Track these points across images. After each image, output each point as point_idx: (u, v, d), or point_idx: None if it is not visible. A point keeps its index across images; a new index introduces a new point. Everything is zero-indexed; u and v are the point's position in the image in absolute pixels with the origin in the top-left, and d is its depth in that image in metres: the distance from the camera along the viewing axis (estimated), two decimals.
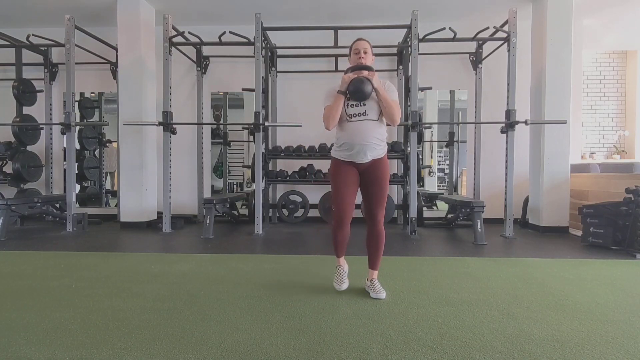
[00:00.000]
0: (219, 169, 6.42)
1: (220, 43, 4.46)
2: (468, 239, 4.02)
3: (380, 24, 4.74)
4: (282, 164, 5.32)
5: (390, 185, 5.18)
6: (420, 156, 6.07)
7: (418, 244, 3.82)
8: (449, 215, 4.89)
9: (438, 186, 6.67)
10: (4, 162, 5.22)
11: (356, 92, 2.10)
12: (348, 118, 2.17)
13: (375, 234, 2.25)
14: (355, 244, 3.82)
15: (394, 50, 5.20)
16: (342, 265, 2.37)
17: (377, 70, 5.59)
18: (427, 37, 4.30)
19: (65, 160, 4.76)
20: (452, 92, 5.96)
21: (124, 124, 4.63)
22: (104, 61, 5.41)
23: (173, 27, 4.47)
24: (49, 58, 5.45)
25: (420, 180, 6.22)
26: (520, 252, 3.47)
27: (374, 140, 2.15)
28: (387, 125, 2.26)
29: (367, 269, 2.32)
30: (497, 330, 1.77)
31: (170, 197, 4.49)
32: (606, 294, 2.29)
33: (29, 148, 5.25)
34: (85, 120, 5.99)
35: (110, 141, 6.27)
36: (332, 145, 4.73)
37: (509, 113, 4.16)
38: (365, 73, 2.15)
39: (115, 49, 5.14)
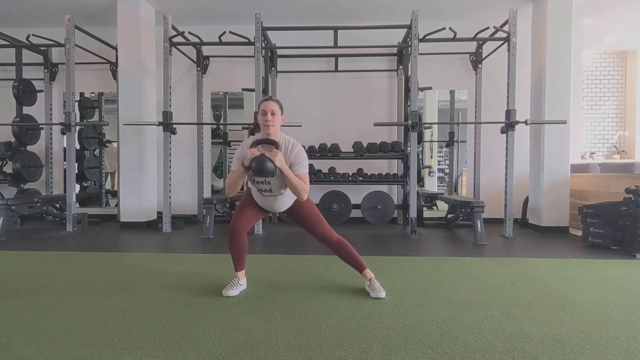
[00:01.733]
0: (219, 169, 6.42)
1: (220, 43, 4.46)
2: (468, 239, 4.02)
3: (380, 24, 4.74)
4: None
5: (390, 185, 5.22)
6: (420, 156, 6.07)
7: (418, 244, 3.82)
8: (449, 215, 4.89)
9: (438, 186, 6.67)
10: (4, 162, 5.22)
11: (258, 172, 2.06)
12: (257, 187, 2.21)
13: (335, 245, 2.28)
14: (355, 244, 3.82)
15: (394, 50, 5.20)
16: (239, 278, 2.33)
17: (377, 70, 5.58)
18: (427, 37, 4.30)
19: (65, 160, 4.76)
20: (452, 92, 5.96)
21: (124, 124, 4.63)
22: (104, 61, 5.41)
23: (173, 27, 4.47)
24: (49, 58, 5.45)
25: (420, 180, 6.22)
26: (520, 252, 3.47)
27: (284, 206, 2.27)
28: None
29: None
30: (497, 330, 1.77)
31: (170, 197, 4.49)
32: (606, 294, 2.29)
33: (29, 148, 5.24)
34: (85, 120, 6.00)
35: (110, 141, 6.27)
36: (332, 144, 4.73)
37: (509, 113, 4.16)
38: (269, 149, 2.12)
39: (115, 49, 5.14)
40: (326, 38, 4.68)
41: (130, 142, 4.78)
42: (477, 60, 5.18)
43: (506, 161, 4.24)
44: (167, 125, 4.39)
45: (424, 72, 4.89)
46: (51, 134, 5.54)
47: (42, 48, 5.30)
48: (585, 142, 6.15)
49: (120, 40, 4.78)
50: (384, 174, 4.74)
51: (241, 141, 7.02)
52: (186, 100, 5.52)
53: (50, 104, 5.48)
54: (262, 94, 4.44)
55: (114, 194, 6.11)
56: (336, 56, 5.28)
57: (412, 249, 3.60)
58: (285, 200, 2.24)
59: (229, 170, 6.55)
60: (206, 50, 5.42)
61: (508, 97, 4.21)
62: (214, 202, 4.23)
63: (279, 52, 5.25)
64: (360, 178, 4.65)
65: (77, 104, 5.53)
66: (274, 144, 2.14)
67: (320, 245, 3.76)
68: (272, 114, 2.14)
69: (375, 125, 4.43)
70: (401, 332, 1.75)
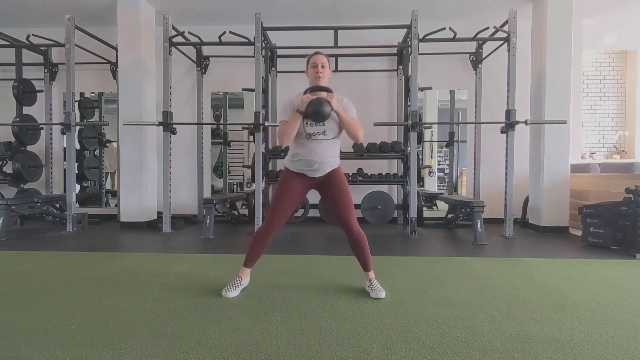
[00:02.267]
0: (219, 169, 6.42)
1: (220, 43, 4.46)
2: (468, 239, 4.02)
3: (380, 24, 4.74)
4: (282, 164, 5.31)
5: (390, 185, 5.22)
6: (420, 156, 6.07)
7: (418, 244, 3.82)
8: (449, 215, 4.89)
9: (438, 186, 6.67)
10: (4, 162, 5.22)
11: (315, 114, 2.07)
12: (307, 136, 2.16)
13: (355, 237, 2.25)
14: None
15: (394, 50, 5.20)
16: (242, 277, 2.28)
17: (377, 70, 5.57)
18: (427, 37, 4.30)
19: (65, 160, 4.76)
20: (452, 92, 5.96)
21: (124, 124, 4.63)
22: (104, 61, 5.41)
23: (173, 27, 4.47)
24: (49, 58, 5.45)
25: (420, 180, 6.22)
26: (520, 252, 3.47)
27: (331, 158, 2.19)
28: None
29: (363, 273, 2.33)
30: (497, 330, 1.77)
31: (170, 197, 4.49)
32: (606, 294, 2.29)
33: (29, 148, 5.25)
34: (85, 120, 6.00)
35: (110, 141, 6.27)
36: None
37: (509, 113, 4.16)
38: (324, 94, 2.14)
39: (115, 49, 5.14)
40: (326, 38, 4.68)
41: (130, 142, 4.77)
42: (477, 60, 5.18)
43: (506, 161, 4.24)
44: (167, 125, 4.39)
45: (424, 72, 4.89)
46: (51, 134, 5.54)
47: (42, 48, 5.30)
48: (585, 142, 6.14)
49: (120, 40, 4.78)
50: (384, 174, 4.74)
51: (241, 141, 7.00)
52: (186, 100, 5.52)
53: (50, 104, 5.48)
54: (262, 94, 4.44)
55: (114, 194, 6.11)
56: (336, 56, 5.27)
57: (412, 249, 3.60)
58: (334, 150, 2.20)
59: (229, 171, 6.64)
60: (206, 50, 5.42)
61: (508, 97, 4.21)
62: (214, 202, 4.23)
63: (279, 52, 5.25)
64: (360, 178, 4.65)
65: (77, 104, 5.53)
66: (327, 90, 2.17)
67: (320, 246, 3.78)
68: (322, 66, 2.20)
69: (375, 125, 4.43)
70: (401, 332, 1.75)
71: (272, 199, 2.26)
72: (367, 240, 2.28)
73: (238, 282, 2.26)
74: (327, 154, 2.17)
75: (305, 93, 2.17)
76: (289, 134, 2.12)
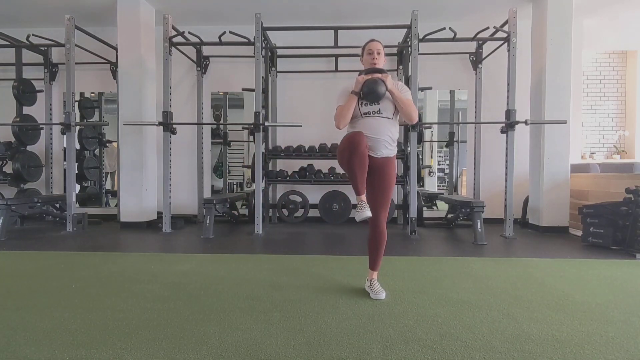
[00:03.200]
0: (219, 169, 6.42)
1: (220, 43, 4.46)
2: (468, 239, 4.02)
3: (380, 24, 4.74)
4: (282, 164, 5.32)
5: None
6: (420, 156, 6.07)
7: (418, 244, 3.82)
8: (449, 215, 4.89)
9: (438, 186, 6.66)
10: (4, 162, 5.22)
11: (370, 93, 2.12)
12: (362, 115, 2.19)
13: (377, 234, 2.23)
14: (355, 243, 3.83)
15: (394, 50, 5.20)
16: (364, 201, 2.09)
17: None
18: (427, 37, 4.30)
19: (65, 160, 4.76)
20: (452, 92, 5.96)
21: (124, 124, 4.63)
22: (104, 61, 5.41)
23: (173, 27, 4.47)
24: (49, 58, 5.45)
25: (420, 180, 6.22)
26: (520, 252, 3.47)
27: (387, 137, 2.17)
28: (403, 125, 2.26)
29: (367, 269, 2.32)
30: (497, 330, 1.77)
31: (170, 197, 4.49)
32: (606, 294, 2.29)
33: (29, 148, 5.25)
34: (85, 120, 5.99)
35: (110, 141, 6.27)
36: (332, 144, 4.73)
37: (509, 113, 4.16)
38: (378, 75, 2.18)
39: (115, 49, 5.14)
40: (326, 38, 4.68)
41: (130, 142, 4.78)
42: (477, 60, 5.18)
43: (506, 161, 4.24)
44: (167, 125, 4.39)
45: (424, 72, 4.89)
46: (51, 134, 5.54)
47: (42, 48, 5.30)
48: (585, 142, 6.14)
49: (120, 40, 4.78)
50: None
51: (241, 141, 7.00)
52: (186, 100, 5.52)
53: (50, 104, 5.48)
54: (262, 94, 4.44)
55: (114, 194, 6.10)
56: (336, 56, 5.28)
57: (412, 249, 3.60)
58: (390, 129, 2.16)
59: (229, 171, 6.64)
60: (206, 50, 5.42)
61: (508, 97, 4.21)
62: (214, 202, 4.23)
63: (279, 52, 5.25)
64: None
65: (77, 104, 5.52)
66: (380, 71, 2.20)
67: (320, 246, 3.78)
68: (378, 53, 2.24)
69: None
70: (401, 332, 1.75)
71: (344, 146, 2.07)
72: (386, 242, 2.26)
73: (364, 205, 2.08)
74: (382, 131, 2.15)
75: (360, 74, 2.21)
76: (344, 115, 2.15)
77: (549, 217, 4.45)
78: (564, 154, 4.43)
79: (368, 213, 2.07)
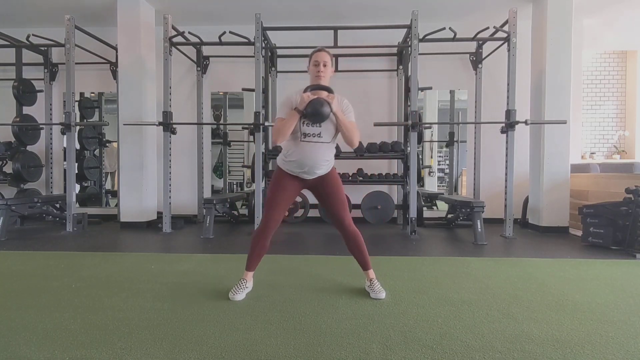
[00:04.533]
0: (219, 169, 6.42)
1: (220, 43, 4.46)
2: (468, 239, 4.02)
3: (380, 24, 4.74)
4: None
5: (390, 185, 5.22)
6: (420, 156, 6.07)
7: (418, 244, 3.82)
8: (449, 215, 4.89)
9: (438, 186, 6.66)
10: (4, 162, 5.22)
11: (314, 115, 2.02)
12: (302, 137, 2.10)
13: (351, 236, 2.23)
14: None
15: (394, 50, 5.20)
16: (247, 280, 2.25)
17: (377, 70, 5.56)
18: (427, 37, 4.30)
19: (65, 160, 4.75)
20: (452, 92, 5.96)
21: (124, 124, 4.63)
22: (104, 61, 5.41)
23: (173, 27, 4.47)
24: (49, 58, 5.45)
25: (420, 180, 6.22)
26: (520, 252, 3.47)
27: (324, 162, 2.15)
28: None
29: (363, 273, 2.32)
30: (497, 330, 1.77)
31: (170, 197, 4.49)
32: (606, 294, 2.29)
33: (29, 148, 5.24)
34: (85, 120, 5.99)
35: (110, 141, 6.27)
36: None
37: (509, 113, 4.16)
38: (324, 94, 2.09)
39: (115, 49, 5.14)
40: (326, 38, 4.68)
41: (130, 142, 4.78)
42: (477, 60, 5.18)
43: (506, 161, 4.24)
44: (167, 125, 4.39)
45: (424, 72, 4.89)
46: (51, 134, 5.54)
47: (42, 48, 5.30)
48: (585, 142, 6.15)
49: (120, 40, 4.78)
50: (384, 174, 4.74)
51: (241, 141, 6.99)
52: (186, 100, 5.52)
53: (50, 104, 5.48)
54: (262, 94, 4.44)
55: (114, 194, 6.10)
56: (336, 56, 5.26)
57: (412, 249, 3.60)
58: (327, 154, 2.16)
59: (229, 171, 6.64)
60: (206, 50, 5.42)
61: (508, 97, 4.21)
62: (214, 202, 4.23)
63: (279, 52, 5.25)
64: (360, 178, 4.65)
65: (77, 104, 5.52)
66: (328, 90, 2.11)
67: (320, 246, 3.78)
68: (324, 65, 2.14)
69: (375, 125, 4.43)
70: (401, 332, 1.75)
71: (266, 199, 2.24)
72: (363, 238, 2.27)
73: (243, 284, 2.23)
74: (319, 158, 2.12)
75: (305, 91, 2.10)
76: (284, 133, 2.06)
77: (549, 217, 4.45)
78: (564, 154, 4.43)
79: (241, 296, 2.16)
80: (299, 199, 4.96)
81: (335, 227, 2.27)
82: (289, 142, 2.16)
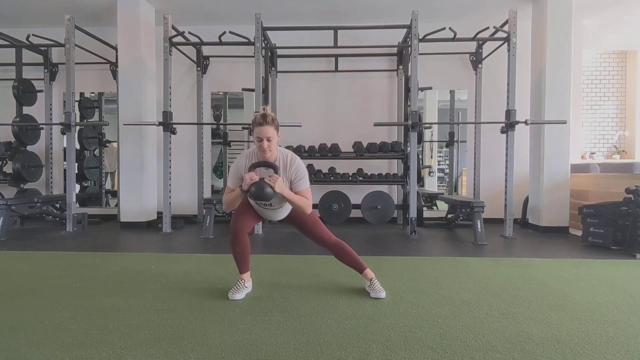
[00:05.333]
0: (219, 169, 6.42)
1: (220, 43, 4.46)
2: (468, 239, 4.02)
3: (380, 24, 4.75)
4: None
5: (390, 185, 5.22)
6: (420, 156, 6.07)
7: (418, 244, 3.82)
8: (449, 215, 4.89)
9: (438, 186, 6.67)
10: (4, 162, 5.22)
11: (257, 197, 2.05)
12: (255, 204, 2.23)
13: (336, 248, 2.27)
14: (355, 244, 3.82)
15: (394, 50, 5.20)
16: (245, 280, 2.27)
17: (377, 70, 5.54)
18: (427, 37, 4.30)
19: (65, 160, 4.76)
20: (452, 92, 5.96)
21: (124, 124, 4.63)
22: (104, 61, 5.41)
23: (173, 27, 4.47)
24: (49, 58, 5.45)
25: (420, 180, 6.22)
26: (520, 252, 3.47)
27: (283, 215, 2.29)
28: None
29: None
30: (497, 330, 1.77)
31: (170, 197, 4.49)
32: (606, 294, 2.29)
33: (29, 148, 5.24)
34: (85, 120, 5.99)
35: (110, 141, 6.27)
36: (332, 145, 4.72)
37: (509, 113, 4.16)
38: (267, 176, 2.05)
39: (115, 49, 5.14)
40: (326, 38, 4.68)
41: (130, 142, 4.78)
42: (477, 60, 5.18)
43: (506, 161, 4.24)
44: (167, 125, 4.39)
45: (424, 72, 4.89)
46: (51, 134, 5.54)
47: (42, 48, 5.30)
48: (585, 142, 6.15)
49: (120, 40, 4.78)
50: (384, 174, 4.74)
51: (241, 141, 6.98)
52: (186, 100, 5.52)
53: (50, 104, 5.48)
54: (262, 94, 4.44)
55: (114, 194, 6.11)
56: (336, 56, 5.28)
57: (412, 249, 3.60)
58: (284, 211, 2.27)
59: (229, 170, 6.63)
60: (206, 50, 5.42)
61: (508, 97, 4.21)
62: (214, 202, 4.23)
63: (279, 52, 5.25)
64: (360, 178, 4.65)
65: (77, 104, 5.52)
66: (273, 167, 2.10)
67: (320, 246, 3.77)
68: (268, 140, 2.04)
69: (375, 125, 4.43)
70: (401, 332, 1.75)
71: (234, 212, 2.30)
72: (346, 245, 2.29)
73: (242, 284, 2.25)
74: (277, 215, 2.28)
75: (250, 169, 2.08)
76: (232, 205, 2.19)
77: (549, 217, 4.45)
78: (564, 154, 4.43)
79: (240, 295, 2.19)
80: None
81: (318, 244, 2.31)
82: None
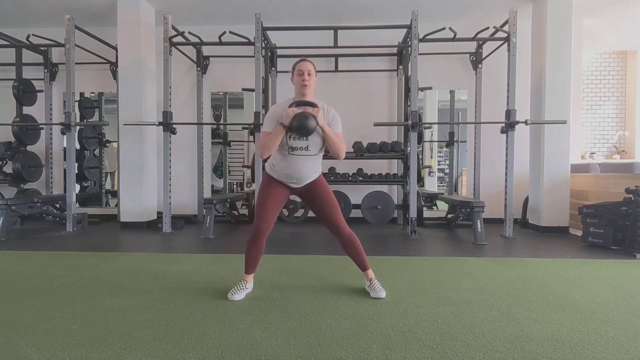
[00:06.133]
0: (219, 169, 6.42)
1: (220, 43, 4.46)
2: (468, 239, 4.02)
3: (380, 24, 4.74)
4: None
5: (390, 185, 5.22)
6: (420, 156, 6.07)
7: (418, 244, 3.82)
8: (449, 215, 4.89)
9: (438, 186, 6.67)
10: (4, 162, 5.22)
11: (300, 129, 2.02)
12: (290, 150, 2.12)
13: (346, 239, 2.24)
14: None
15: (394, 50, 5.20)
16: (247, 282, 2.26)
17: (377, 70, 5.56)
18: (427, 37, 4.30)
19: (65, 160, 4.75)
20: (452, 92, 5.96)
21: (124, 124, 4.63)
22: (104, 61, 5.41)
23: (173, 27, 4.47)
24: (49, 58, 5.45)
25: (420, 180, 6.22)
26: (520, 252, 3.47)
27: (310, 173, 2.18)
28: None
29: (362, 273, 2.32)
30: (497, 330, 1.77)
31: (170, 197, 4.49)
32: (606, 294, 2.29)
33: (29, 148, 5.25)
34: (85, 120, 5.99)
35: (110, 141, 6.27)
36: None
37: (509, 113, 4.16)
38: (309, 109, 2.09)
39: (115, 49, 5.14)
40: (326, 38, 4.68)
41: (130, 142, 4.78)
42: (477, 60, 5.18)
43: (506, 161, 4.24)
44: (167, 125, 4.39)
45: (424, 72, 4.89)
46: (51, 134, 5.54)
47: (42, 48, 5.30)
48: (585, 142, 6.15)
49: (120, 40, 4.78)
50: (384, 174, 4.74)
51: (241, 141, 6.99)
52: (186, 100, 5.52)
53: (50, 104, 5.48)
54: (262, 94, 4.44)
55: (114, 194, 6.11)
56: (336, 56, 5.28)
57: (412, 249, 3.60)
58: (315, 165, 2.18)
59: (229, 171, 6.64)
60: (206, 50, 5.42)
61: (508, 97, 4.21)
62: (214, 202, 4.23)
63: (279, 52, 5.25)
64: (360, 178, 4.65)
65: (77, 104, 5.52)
66: (312, 105, 2.12)
67: (320, 245, 3.78)
68: (309, 74, 2.17)
69: (375, 125, 4.43)
70: (401, 332, 1.75)
71: (256, 206, 2.24)
72: (358, 239, 2.27)
73: (243, 285, 2.24)
74: (306, 169, 2.15)
75: (290, 106, 2.12)
76: (270, 147, 2.08)
77: (549, 217, 4.45)
78: (564, 154, 4.43)
79: (240, 296, 2.17)
80: (299, 199, 4.96)
81: (330, 231, 2.28)
82: (277, 154, 2.18)
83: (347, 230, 2.24)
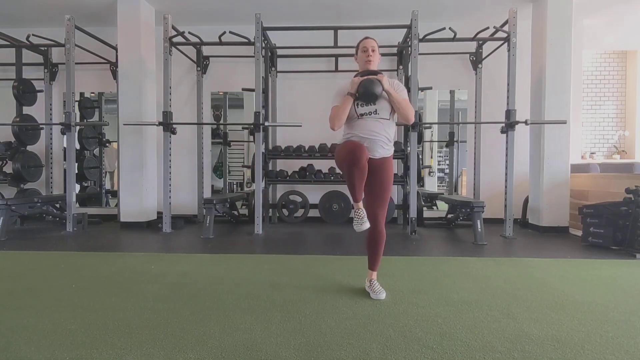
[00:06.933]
0: (219, 169, 6.42)
1: (220, 43, 4.46)
2: (468, 239, 4.02)
3: (380, 24, 4.73)
4: (282, 164, 5.32)
5: None
6: (420, 156, 6.07)
7: (418, 244, 3.82)
8: (449, 215, 4.88)
9: (438, 186, 6.67)
10: (4, 162, 5.22)
11: (366, 94, 2.10)
12: (358, 116, 2.17)
13: (375, 233, 2.21)
14: (355, 243, 3.83)
15: (394, 50, 5.20)
16: (361, 208, 2.12)
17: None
18: (427, 37, 4.30)
19: (65, 160, 4.75)
20: (452, 92, 5.96)
21: (124, 124, 4.63)
22: (104, 61, 5.41)
23: (173, 27, 4.47)
24: (49, 58, 5.45)
25: (420, 180, 6.22)
26: (520, 252, 3.47)
27: (383, 137, 2.17)
28: (402, 125, 2.26)
29: (367, 270, 2.32)
30: (497, 330, 1.77)
31: (170, 197, 4.49)
32: (606, 294, 2.29)
33: (29, 148, 5.24)
34: (85, 120, 5.99)
35: (110, 141, 6.27)
36: (332, 144, 4.73)
37: (509, 113, 4.16)
38: (373, 76, 2.17)
39: (115, 49, 5.14)
40: (326, 38, 4.68)
41: (130, 142, 4.77)
42: (477, 60, 5.18)
43: (506, 161, 4.24)
44: (167, 125, 4.39)
45: (424, 72, 4.89)
46: (51, 134, 5.54)
47: (42, 48, 5.29)
48: (585, 142, 6.15)
49: (120, 40, 4.78)
50: None
51: (241, 141, 6.99)
52: (186, 100, 5.52)
53: (50, 104, 5.48)
54: (262, 94, 4.44)
55: (114, 193, 6.11)
56: (336, 56, 5.28)
57: (412, 249, 3.60)
58: (385, 131, 2.15)
59: (229, 171, 6.64)
60: (206, 50, 5.42)
61: (508, 97, 4.21)
62: (214, 202, 4.23)
63: (279, 52, 5.25)
64: None
65: (77, 104, 5.52)
66: (375, 74, 2.19)
67: (320, 246, 3.78)
68: (373, 50, 2.27)
69: None
70: (401, 332, 1.75)
71: (337, 154, 2.18)
72: (384, 240, 2.24)
73: (363, 213, 2.11)
74: (378, 131, 2.14)
75: (355, 76, 2.21)
76: (339, 117, 2.14)
77: (549, 217, 4.45)
78: (564, 154, 4.43)
79: (367, 225, 2.11)
80: (299, 199, 4.97)
81: (367, 218, 2.16)
82: (347, 125, 2.23)
83: (381, 227, 2.22)
